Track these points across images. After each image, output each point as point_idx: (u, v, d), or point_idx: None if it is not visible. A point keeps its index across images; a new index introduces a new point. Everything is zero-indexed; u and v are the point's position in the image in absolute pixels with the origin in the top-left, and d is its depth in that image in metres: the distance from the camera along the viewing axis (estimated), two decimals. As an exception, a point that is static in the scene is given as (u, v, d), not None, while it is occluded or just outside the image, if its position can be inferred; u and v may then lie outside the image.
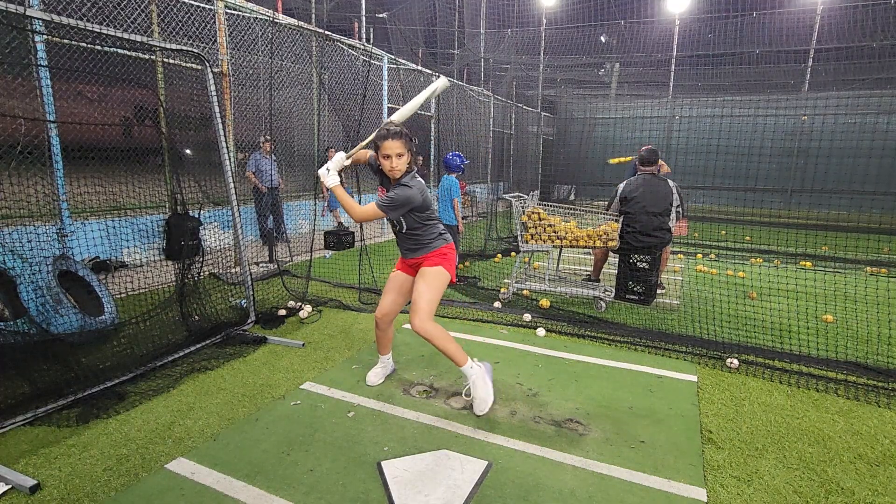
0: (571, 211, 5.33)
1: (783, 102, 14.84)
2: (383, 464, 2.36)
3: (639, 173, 5.02)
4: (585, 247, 4.96)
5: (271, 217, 7.50)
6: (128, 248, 5.80)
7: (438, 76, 2.99)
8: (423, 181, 2.83)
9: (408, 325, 4.30)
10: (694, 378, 3.36)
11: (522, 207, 5.13)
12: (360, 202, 5.82)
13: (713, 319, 4.46)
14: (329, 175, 2.73)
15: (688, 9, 16.16)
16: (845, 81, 14.31)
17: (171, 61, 5.79)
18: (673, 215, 4.88)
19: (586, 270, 6.34)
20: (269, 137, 7.36)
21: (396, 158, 2.65)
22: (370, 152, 2.88)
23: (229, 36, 6.09)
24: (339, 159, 2.77)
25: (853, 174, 12.86)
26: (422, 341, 3.93)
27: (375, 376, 3.20)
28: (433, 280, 2.82)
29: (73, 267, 3.96)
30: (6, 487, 2.13)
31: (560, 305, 4.93)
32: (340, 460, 2.39)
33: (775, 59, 15.31)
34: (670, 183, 4.94)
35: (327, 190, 8.62)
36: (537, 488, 2.22)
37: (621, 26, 15.95)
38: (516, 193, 5.51)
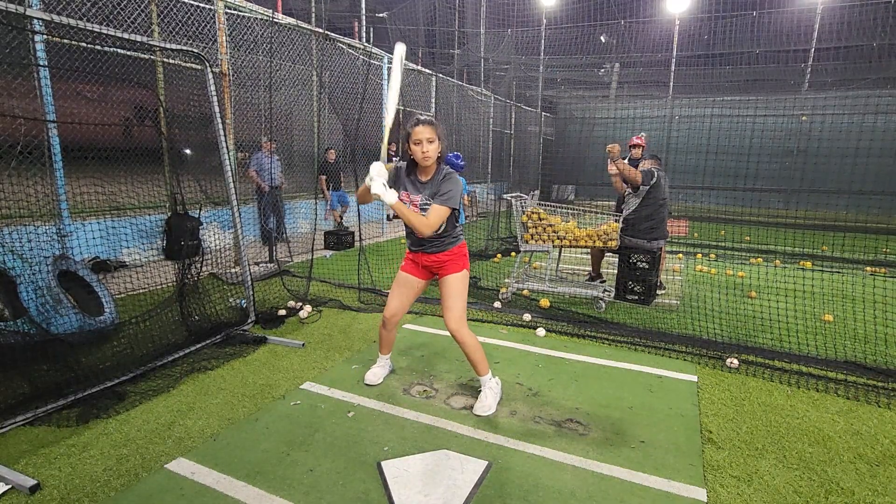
0: (571, 211, 5.33)
1: (783, 102, 14.83)
2: (383, 464, 2.36)
3: (654, 166, 5.06)
4: (585, 247, 4.97)
5: (273, 217, 7.50)
6: (128, 248, 5.80)
7: (395, 48, 2.83)
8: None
9: (408, 325, 4.30)
10: (694, 378, 3.36)
11: (522, 207, 5.13)
12: (358, 205, 5.80)
13: (713, 319, 4.46)
14: (388, 192, 2.48)
15: (688, 9, 16.15)
16: (845, 81, 14.31)
17: (171, 61, 5.79)
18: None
19: (586, 270, 6.34)
20: (269, 137, 7.38)
21: (427, 143, 2.57)
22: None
23: (229, 36, 6.09)
24: (381, 170, 2.48)
25: (853, 174, 12.85)
26: (423, 341, 3.94)
27: (375, 376, 3.20)
28: (462, 285, 2.85)
29: (73, 267, 3.96)
30: (6, 487, 2.13)
31: (560, 305, 4.93)
32: (340, 460, 2.39)
33: (775, 59, 15.30)
34: None
35: (329, 190, 8.62)
36: (537, 488, 2.22)
37: (621, 26, 15.95)
38: (516, 193, 5.51)
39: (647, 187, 4.85)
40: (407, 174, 2.76)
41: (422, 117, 2.63)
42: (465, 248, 2.93)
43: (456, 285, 2.83)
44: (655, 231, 4.86)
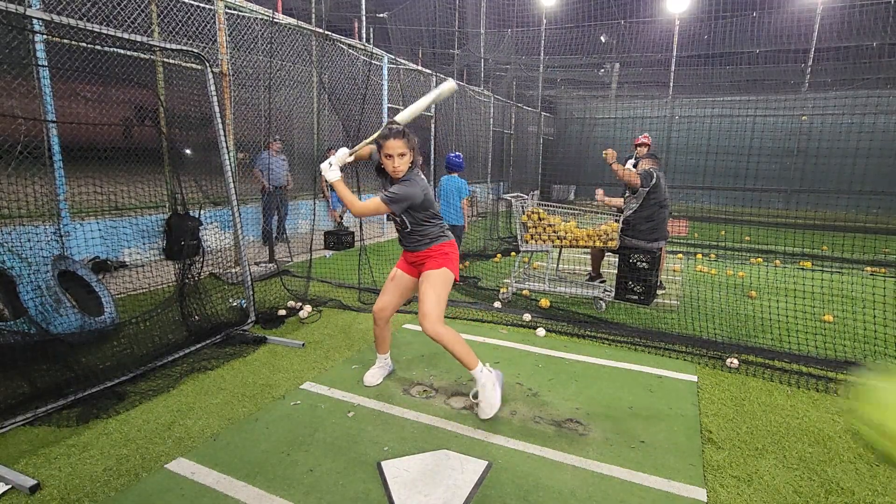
0: (571, 211, 5.33)
1: (783, 102, 14.83)
2: (383, 464, 2.36)
3: (653, 167, 5.05)
4: (585, 247, 4.97)
5: (276, 217, 7.50)
6: (128, 248, 5.80)
7: (446, 79, 3.07)
8: (425, 179, 2.83)
9: (408, 325, 4.30)
10: (694, 378, 3.36)
11: (522, 207, 5.13)
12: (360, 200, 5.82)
13: (713, 319, 4.46)
14: (331, 169, 2.75)
15: (688, 9, 16.15)
16: (845, 81, 14.29)
17: (171, 61, 5.79)
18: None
19: (586, 270, 6.34)
20: (277, 137, 7.41)
21: (399, 158, 2.64)
22: (374, 149, 2.87)
23: (229, 36, 6.09)
24: (341, 155, 2.78)
25: (853, 174, 12.84)
26: (423, 341, 3.93)
27: (373, 377, 3.19)
28: (438, 281, 2.81)
29: (73, 267, 3.96)
30: (6, 487, 2.13)
31: (560, 305, 4.93)
32: (340, 460, 2.39)
33: (775, 59, 15.29)
34: None
35: (329, 189, 8.62)
36: (537, 488, 2.22)
37: (621, 26, 15.94)
38: (516, 193, 5.51)
39: (647, 189, 4.84)
40: (384, 178, 2.85)
41: (394, 129, 2.64)
42: (449, 248, 2.90)
43: (430, 280, 2.81)
44: (656, 232, 4.85)
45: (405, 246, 2.95)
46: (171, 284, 4.81)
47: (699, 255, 7.85)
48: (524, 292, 5.25)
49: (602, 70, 17.88)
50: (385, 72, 9.05)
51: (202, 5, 5.94)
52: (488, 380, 2.79)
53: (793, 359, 3.65)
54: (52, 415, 2.67)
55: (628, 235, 4.89)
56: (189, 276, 3.98)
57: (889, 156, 12.71)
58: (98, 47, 4.86)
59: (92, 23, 3.28)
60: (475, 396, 2.87)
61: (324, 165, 2.76)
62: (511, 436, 2.62)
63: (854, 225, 8.39)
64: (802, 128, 14.87)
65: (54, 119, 4.70)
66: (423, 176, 2.83)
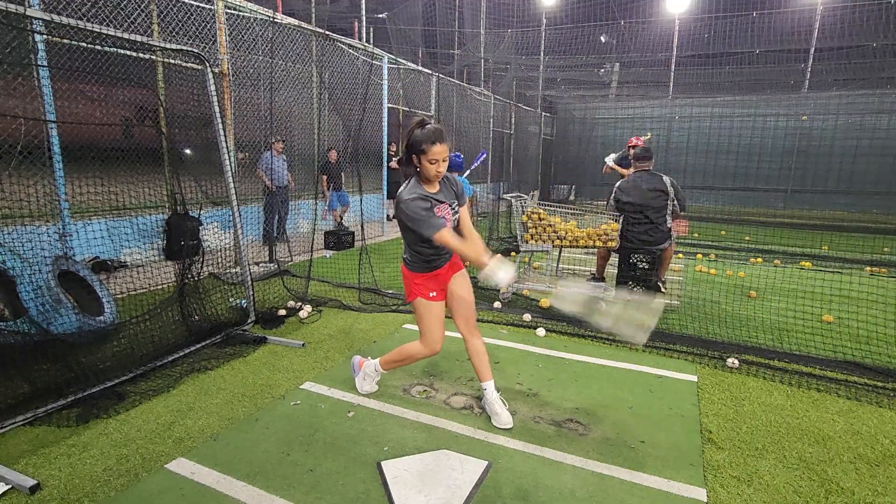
0: (571, 211, 5.33)
1: (783, 102, 14.83)
2: (383, 464, 2.36)
3: (634, 171, 5.05)
4: (585, 247, 4.96)
5: (277, 216, 7.51)
6: (128, 248, 5.79)
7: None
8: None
9: (408, 326, 4.30)
10: (694, 378, 3.36)
11: (522, 207, 5.13)
12: (361, 202, 5.77)
13: (713, 319, 4.46)
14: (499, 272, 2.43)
15: (688, 9, 16.15)
16: (845, 81, 14.30)
17: (171, 61, 5.78)
18: (668, 211, 4.94)
19: (586, 270, 6.34)
20: (279, 137, 7.42)
21: (443, 163, 2.45)
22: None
23: (229, 36, 6.09)
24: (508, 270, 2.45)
25: (853, 174, 12.84)
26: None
27: (371, 388, 3.08)
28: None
29: (73, 267, 3.96)
30: (6, 487, 2.14)
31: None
32: (340, 460, 2.39)
33: (775, 59, 15.29)
34: (665, 179, 4.96)
35: (328, 189, 8.63)
36: (537, 488, 2.22)
37: (621, 26, 15.95)
38: (516, 193, 5.51)
39: (615, 206, 4.95)
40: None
41: (438, 130, 2.43)
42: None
43: (469, 283, 2.85)
44: (649, 234, 4.84)
45: (447, 258, 2.78)
46: (171, 284, 4.80)
47: (699, 255, 7.84)
48: (524, 292, 5.25)
49: (602, 70, 17.88)
50: (385, 72, 9.05)
51: (202, 5, 5.94)
52: (495, 398, 2.81)
53: (793, 359, 3.65)
54: (52, 415, 2.67)
55: (625, 240, 4.90)
56: (189, 276, 3.98)
57: (889, 155, 12.70)
58: (98, 47, 4.85)
59: (92, 23, 3.28)
60: (481, 407, 2.86)
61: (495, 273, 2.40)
62: (511, 436, 2.62)
63: (854, 225, 8.39)
64: (802, 128, 14.86)
65: (54, 119, 4.70)
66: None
